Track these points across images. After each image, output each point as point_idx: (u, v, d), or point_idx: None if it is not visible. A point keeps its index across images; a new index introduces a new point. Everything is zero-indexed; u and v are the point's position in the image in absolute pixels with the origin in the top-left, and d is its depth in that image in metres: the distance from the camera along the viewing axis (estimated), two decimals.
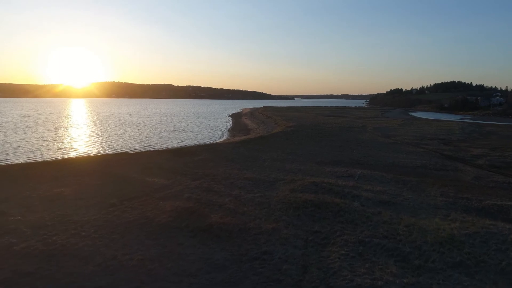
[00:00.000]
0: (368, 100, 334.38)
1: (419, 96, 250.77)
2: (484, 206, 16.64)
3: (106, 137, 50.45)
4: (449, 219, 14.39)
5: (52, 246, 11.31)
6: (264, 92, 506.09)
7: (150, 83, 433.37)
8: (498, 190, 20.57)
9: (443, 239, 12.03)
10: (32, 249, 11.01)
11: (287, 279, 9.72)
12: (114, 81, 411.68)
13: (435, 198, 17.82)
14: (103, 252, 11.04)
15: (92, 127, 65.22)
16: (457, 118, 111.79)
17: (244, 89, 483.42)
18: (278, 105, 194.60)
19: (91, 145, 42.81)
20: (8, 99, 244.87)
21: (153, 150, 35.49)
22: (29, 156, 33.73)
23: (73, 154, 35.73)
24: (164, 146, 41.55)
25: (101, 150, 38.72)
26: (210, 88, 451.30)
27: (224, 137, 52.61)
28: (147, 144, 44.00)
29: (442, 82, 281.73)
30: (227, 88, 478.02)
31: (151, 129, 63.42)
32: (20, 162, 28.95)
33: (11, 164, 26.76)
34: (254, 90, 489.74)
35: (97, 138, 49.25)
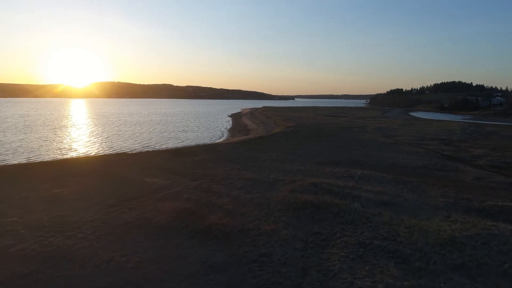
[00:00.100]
0: (368, 100, 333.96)
1: (419, 96, 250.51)
2: (485, 207, 16.51)
3: (106, 137, 50.32)
4: (450, 220, 14.27)
5: (49, 248, 11.20)
6: (264, 92, 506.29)
7: (150, 83, 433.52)
8: (499, 191, 20.43)
9: (444, 240, 11.91)
10: (29, 251, 10.90)
11: (287, 282, 9.60)
12: (114, 81, 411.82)
13: (436, 199, 17.68)
14: (101, 254, 10.93)
15: (91, 127, 65.10)
16: (457, 118, 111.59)
17: (244, 89, 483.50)
18: (278, 105, 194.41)
19: (90, 145, 42.67)
20: (8, 99, 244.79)
21: (153, 151, 35.37)
22: (28, 156, 33.58)
23: (72, 154, 35.58)
24: (164, 147, 41.43)
25: (101, 150, 38.57)
26: (210, 88, 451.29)
27: (224, 137, 52.49)
28: (147, 145, 43.85)
29: (442, 82, 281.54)
30: (227, 88, 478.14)
31: (151, 129, 63.29)
32: (18, 162, 28.83)
33: (10, 165, 26.64)
34: (254, 90, 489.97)
35: (96, 138, 49.11)
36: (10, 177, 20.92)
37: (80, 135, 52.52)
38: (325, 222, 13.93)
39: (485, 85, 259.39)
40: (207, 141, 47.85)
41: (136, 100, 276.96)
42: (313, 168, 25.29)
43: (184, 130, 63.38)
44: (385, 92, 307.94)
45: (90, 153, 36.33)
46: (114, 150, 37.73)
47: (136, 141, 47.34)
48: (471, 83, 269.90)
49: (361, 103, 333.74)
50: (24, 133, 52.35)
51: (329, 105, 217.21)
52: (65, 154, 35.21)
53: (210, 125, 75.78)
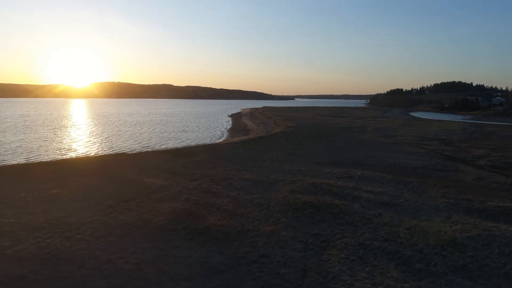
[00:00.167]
0: (368, 100, 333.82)
1: (419, 96, 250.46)
2: (486, 208, 16.42)
3: (106, 138, 50.27)
4: (450, 221, 14.17)
5: (46, 249, 11.10)
6: (264, 92, 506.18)
7: (150, 83, 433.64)
8: (499, 192, 20.34)
9: (444, 241, 11.81)
10: (26, 253, 10.80)
11: (286, 284, 9.50)
12: (114, 81, 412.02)
13: (436, 200, 17.59)
14: (98, 255, 10.83)
15: (91, 128, 65.04)
16: (457, 118, 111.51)
17: (244, 89, 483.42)
18: (278, 105, 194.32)
19: (90, 145, 42.61)
20: (8, 99, 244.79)
21: (152, 151, 35.28)
22: (28, 157, 33.52)
23: (71, 154, 35.52)
24: (164, 147, 41.37)
25: (100, 150, 38.51)
26: (210, 88, 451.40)
27: (224, 138, 52.42)
28: (147, 145, 43.80)
29: (442, 82, 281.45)
30: (227, 88, 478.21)
31: (151, 130, 63.24)
32: (17, 163, 28.74)
33: (8, 165, 26.54)
34: (254, 90, 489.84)
35: (96, 139, 49.06)
36: (9, 177, 20.81)
37: (80, 135, 52.46)
38: (325, 223, 13.84)
39: (485, 85, 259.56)
40: (207, 141, 47.78)
41: (136, 100, 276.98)
42: (313, 168, 25.21)
43: (184, 130, 63.32)
44: (385, 92, 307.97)
45: (89, 154, 36.27)
46: (113, 151, 37.66)
47: (136, 141, 47.29)
48: (471, 83, 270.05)
49: (361, 103, 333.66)
50: (24, 133, 52.30)
51: (329, 105, 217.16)
52: (65, 155, 35.15)
53: (210, 125, 75.72)
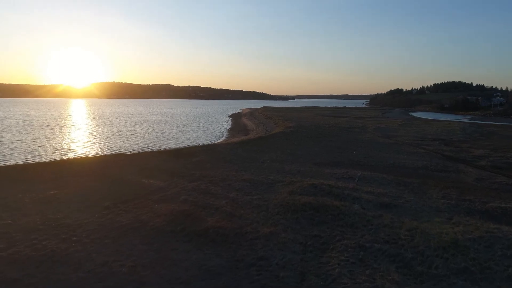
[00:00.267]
0: (368, 100, 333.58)
1: (419, 96, 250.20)
2: (487, 209, 16.24)
3: (105, 138, 50.10)
4: (452, 222, 13.99)
5: (42, 251, 10.94)
6: (264, 92, 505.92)
7: (150, 83, 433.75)
8: (501, 192, 20.15)
9: (446, 243, 11.64)
10: (21, 255, 10.64)
11: (285, 287, 9.33)
12: (114, 81, 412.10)
13: (437, 201, 17.41)
14: (94, 258, 10.66)
15: (91, 128, 64.89)
16: (458, 118, 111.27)
17: (244, 89, 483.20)
18: (278, 105, 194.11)
19: (89, 146, 42.44)
20: (8, 99, 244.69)
21: (151, 151, 35.09)
22: (26, 157, 33.35)
23: (70, 155, 35.35)
24: (163, 147, 41.19)
25: (100, 151, 38.34)
26: (210, 88, 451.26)
27: (223, 138, 52.25)
28: (146, 145, 43.62)
29: (442, 82, 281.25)
30: (227, 88, 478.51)
31: (151, 130, 63.07)
32: (15, 163, 28.57)
33: (6, 166, 26.37)
34: (254, 90, 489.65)
35: (96, 139, 48.89)
36: (7, 178, 20.65)
37: (79, 136, 52.29)
38: (324, 224, 13.66)
39: (485, 85, 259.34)
40: (207, 141, 47.61)
41: (136, 100, 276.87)
42: (312, 169, 25.03)
43: (183, 131, 63.14)
44: (385, 92, 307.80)
45: (88, 154, 36.11)
46: (113, 151, 37.49)
47: (135, 141, 47.12)
48: (471, 83, 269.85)
49: (361, 103, 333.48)
50: (23, 134, 52.13)
51: (329, 105, 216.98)
52: (63, 155, 34.98)
53: (209, 125, 75.55)
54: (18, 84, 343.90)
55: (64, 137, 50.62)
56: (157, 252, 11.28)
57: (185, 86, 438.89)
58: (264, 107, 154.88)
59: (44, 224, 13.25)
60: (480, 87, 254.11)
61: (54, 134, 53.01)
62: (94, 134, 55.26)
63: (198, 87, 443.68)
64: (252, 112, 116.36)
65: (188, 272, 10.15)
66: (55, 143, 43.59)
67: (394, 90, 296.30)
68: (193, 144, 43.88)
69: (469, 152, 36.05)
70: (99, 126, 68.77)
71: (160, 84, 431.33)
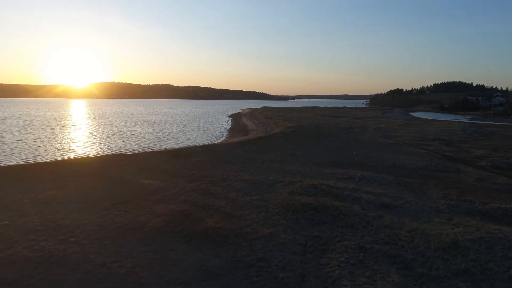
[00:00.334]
0: (368, 100, 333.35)
1: (419, 96, 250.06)
2: (488, 209, 16.17)
3: (105, 138, 50.02)
4: (452, 223, 13.92)
5: (40, 252, 10.88)
6: (264, 92, 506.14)
7: (150, 84, 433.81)
8: (501, 193, 20.08)
9: (446, 245, 11.58)
10: (18, 256, 10.58)
11: None
12: (114, 82, 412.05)
13: (437, 201, 17.34)
14: (93, 259, 10.60)
15: (91, 128, 64.82)
16: (458, 118, 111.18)
17: (244, 89, 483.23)
18: (278, 106, 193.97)
19: (89, 146, 42.37)
20: (8, 99, 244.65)
21: (150, 152, 35.02)
22: (25, 157, 33.28)
23: (69, 155, 35.27)
24: (163, 147, 41.12)
25: (99, 151, 38.27)
26: (210, 88, 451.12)
27: (223, 138, 52.19)
28: (146, 145, 43.54)
29: (442, 82, 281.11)
30: (227, 88, 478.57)
31: (151, 130, 63.00)
32: (14, 163, 28.50)
33: (5, 166, 26.30)
34: (254, 91, 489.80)
35: (95, 139, 48.82)
36: (5, 178, 20.59)
37: (79, 136, 52.22)
38: (324, 225, 13.60)
39: (485, 85, 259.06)
40: (207, 141, 47.54)
41: (136, 100, 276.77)
42: (312, 169, 24.96)
43: (183, 131, 63.06)
44: (385, 92, 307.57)
45: (88, 154, 36.03)
46: (112, 151, 37.41)
47: (135, 141, 47.04)
48: (471, 83, 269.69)
49: (361, 103, 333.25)
50: (23, 134, 52.06)
51: (329, 105, 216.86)
52: (63, 155, 34.90)
53: (209, 125, 75.48)
54: (18, 84, 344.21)
55: (64, 137, 50.55)
56: (156, 252, 11.22)
57: (185, 86, 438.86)
58: (264, 107, 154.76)
59: (42, 224, 13.19)
60: (480, 87, 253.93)
61: (54, 134, 52.94)
62: (93, 134, 55.19)
63: (198, 87, 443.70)
64: (252, 112, 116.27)
65: (188, 273, 10.09)
66: (54, 143, 43.52)
67: (394, 90, 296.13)
68: (193, 144, 43.80)
69: (470, 152, 35.98)
70: (99, 126, 68.71)
71: (160, 84, 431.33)
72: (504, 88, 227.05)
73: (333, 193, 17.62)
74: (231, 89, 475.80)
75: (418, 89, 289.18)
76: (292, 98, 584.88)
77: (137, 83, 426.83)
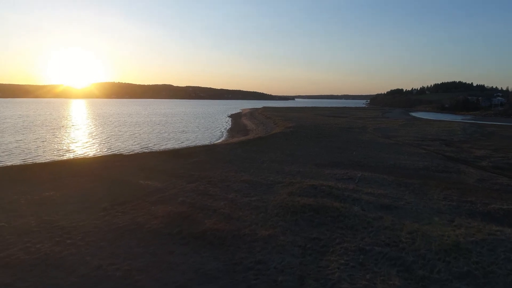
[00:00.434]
0: (368, 100, 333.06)
1: (419, 96, 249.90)
2: (489, 210, 16.01)
3: (105, 138, 49.90)
4: (453, 224, 13.75)
5: (35, 255, 10.71)
6: (264, 92, 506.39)
7: (150, 84, 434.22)
8: (503, 193, 19.91)
9: (448, 246, 11.40)
10: (13, 258, 10.41)
11: None
12: (114, 82, 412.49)
13: (438, 202, 17.18)
14: (89, 261, 10.44)
15: (91, 128, 64.69)
16: (458, 118, 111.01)
17: (244, 90, 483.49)
18: (278, 106, 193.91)
19: (88, 146, 42.23)
20: (8, 99, 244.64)
21: (149, 152, 34.88)
22: (24, 158, 33.14)
23: (69, 155, 35.13)
24: (163, 147, 40.99)
25: (99, 151, 38.13)
26: (210, 88, 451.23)
27: (223, 138, 52.04)
28: (146, 146, 43.40)
29: (442, 82, 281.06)
30: (227, 88, 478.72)
31: (150, 130, 62.87)
32: (12, 164, 28.36)
33: (4, 167, 26.16)
34: (254, 91, 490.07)
35: (95, 139, 48.69)
36: (4, 179, 20.45)
37: (79, 136, 52.09)
38: (324, 226, 13.43)
39: (485, 85, 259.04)
40: (206, 142, 47.39)
41: (136, 101, 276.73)
42: (312, 169, 24.81)
43: (183, 131, 62.93)
44: (385, 92, 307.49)
45: (87, 155, 35.89)
46: (112, 152, 37.27)
47: (135, 142, 46.91)
48: (472, 83, 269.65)
49: (361, 103, 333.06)
50: (22, 134, 51.94)
51: (329, 105, 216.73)
52: (62, 156, 34.77)
53: (209, 125, 75.35)
54: (18, 84, 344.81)
55: (63, 137, 50.42)
56: (153, 255, 11.05)
57: (185, 86, 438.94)
58: (264, 107, 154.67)
59: (38, 226, 13.03)
60: (481, 87, 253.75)
61: (53, 135, 52.81)
62: (93, 134, 55.06)
63: (198, 87, 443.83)
64: (252, 112, 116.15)
65: (185, 275, 9.92)
66: (54, 144, 43.39)
67: (394, 90, 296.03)
68: (192, 144, 43.66)
69: (470, 153, 35.81)
70: (99, 126, 68.57)
71: (160, 84, 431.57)
72: (504, 88, 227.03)
73: (333, 194, 17.46)
74: (231, 89, 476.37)
75: (418, 89, 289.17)
76: (292, 98, 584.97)
77: (137, 83, 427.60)
